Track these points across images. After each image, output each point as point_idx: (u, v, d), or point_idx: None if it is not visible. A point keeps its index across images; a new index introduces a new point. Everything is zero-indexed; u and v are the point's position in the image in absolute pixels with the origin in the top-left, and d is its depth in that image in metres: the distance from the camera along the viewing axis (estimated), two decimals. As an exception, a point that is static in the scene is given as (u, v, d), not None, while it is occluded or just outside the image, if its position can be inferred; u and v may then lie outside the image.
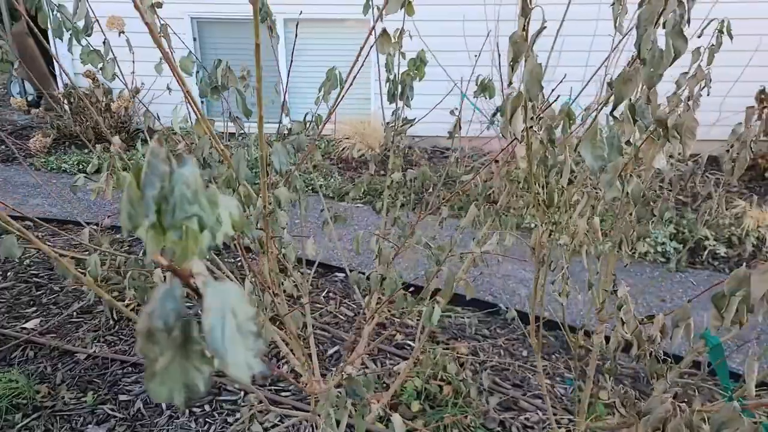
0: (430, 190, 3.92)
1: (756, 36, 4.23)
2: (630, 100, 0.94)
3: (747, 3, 4.46)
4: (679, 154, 0.94)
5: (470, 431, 2.24)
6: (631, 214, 1.05)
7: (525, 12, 0.84)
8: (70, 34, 1.82)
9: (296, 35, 2.00)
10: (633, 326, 0.81)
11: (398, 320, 3.02)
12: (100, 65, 1.88)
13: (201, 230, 0.46)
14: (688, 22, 0.81)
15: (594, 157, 0.93)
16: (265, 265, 1.10)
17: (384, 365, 2.68)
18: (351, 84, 1.40)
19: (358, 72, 1.31)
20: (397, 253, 1.26)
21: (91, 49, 1.83)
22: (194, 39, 6.20)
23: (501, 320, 3.06)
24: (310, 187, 4.99)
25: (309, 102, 6.52)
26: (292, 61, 1.97)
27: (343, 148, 5.55)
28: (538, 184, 1.11)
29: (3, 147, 5.88)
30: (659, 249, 3.87)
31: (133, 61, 2.15)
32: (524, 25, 0.86)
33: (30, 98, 7.27)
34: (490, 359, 2.75)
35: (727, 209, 4.43)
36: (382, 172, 4.96)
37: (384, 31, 1.32)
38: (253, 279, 1.04)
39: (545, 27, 0.90)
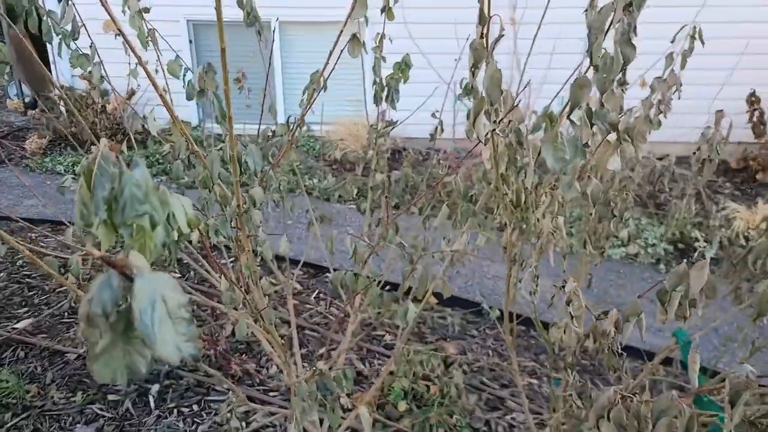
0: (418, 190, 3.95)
1: (743, 39, 4.28)
2: (588, 104, 0.97)
3: (733, 7, 4.51)
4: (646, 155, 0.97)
5: (456, 431, 2.28)
6: (591, 215, 1.08)
7: (482, 20, 0.87)
8: (60, 39, 1.85)
9: (273, 39, 2.03)
10: (583, 321, 0.84)
11: (389, 321, 3.05)
12: (89, 68, 1.92)
13: (153, 228, 0.50)
14: (635, 30, 0.85)
15: (555, 159, 0.96)
16: (242, 262, 1.13)
17: (372, 365, 2.71)
18: (325, 88, 1.44)
19: (329, 74, 1.35)
20: (372, 251, 1.29)
21: (80, 53, 1.87)
22: (190, 41, 6.24)
23: (491, 321, 3.09)
24: (303, 188, 5.03)
25: (289, 100, 6.51)
26: (269, 64, 2.01)
27: (338, 150, 5.59)
28: (506, 185, 1.14)
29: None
30: (649, 251, 3.90)
31: (129, 64, 2.18)
32: (482, 33, 0.90)
33: (27, 100, 7.29)
34: (478, 359, 2.78)
35: (718, 211, 4.46)
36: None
37: (354, 36, 1.36)
38: (229, 276, 1.08)
39: (503, 35, 0.93)
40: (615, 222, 1.19)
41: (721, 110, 1.56)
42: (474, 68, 0.95)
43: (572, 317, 0.85)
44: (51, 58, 6.28)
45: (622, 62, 0.87)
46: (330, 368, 1.21)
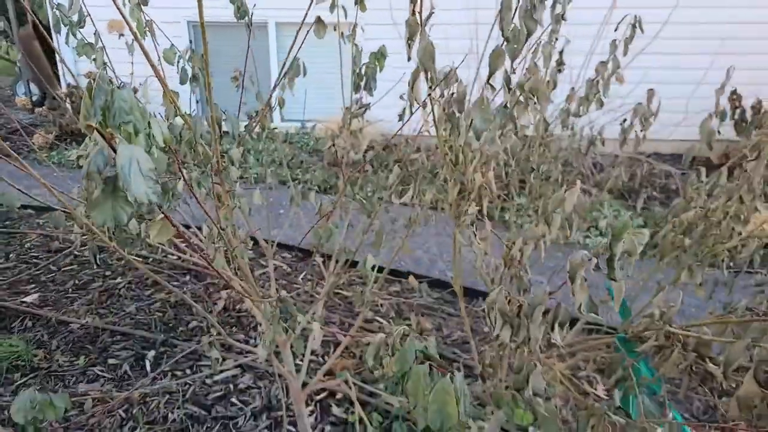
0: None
1: (717, 40, 4.47)
2: (506, 71, 1.17)
3: (707, 8, 4.69)
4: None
5: (427, 392, 2.46)
6: (509, 165, 1.27)
7: (413, -1, 1.07)
8: (68, 29, 2.07)
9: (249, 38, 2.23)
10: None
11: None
12: (93, 56, 2.13)
13: (136, 134, 0.70)
14: (535, 8, 1.04)
15: (482, 120, 1.16)
16: (221, 214, 1.33)
17: (354, 337, 2.90)
18: (305, 73, 1.64)
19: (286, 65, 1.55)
20: (334, 208, 1.48)
21: (86, 42, 2.08)
22: (190, 41, 6.47)
23: (466, 299, 3.28)
24: (295, 180, 5.23)
25: (298, 100, 6.70)
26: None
27: (330, 146, 5.79)
28: (447, 146, 1.34)
29: (8, 143, 6.13)
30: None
31: (132, 63, 2.37)
32: (413, 10, 1.09)
33: (35, 98, 7.54)
34: (452, 334, 2.97)
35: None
36: (367, 168, 5.19)
37: (318, 18, 1.55)
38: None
39: (433, 12, 1.13)
40: (536, 178, 1.37)
41: (652, 89, 1.75)
42: (409, 41, 1.15)
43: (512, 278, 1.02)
44: (57, 57, 6.52)
45: (526, 33, 1.06)
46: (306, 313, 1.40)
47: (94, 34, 1.93)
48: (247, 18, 2.12)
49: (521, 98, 1.10)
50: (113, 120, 0.66)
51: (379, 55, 2.26)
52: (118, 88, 0.67)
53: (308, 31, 1.61)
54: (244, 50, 1.94)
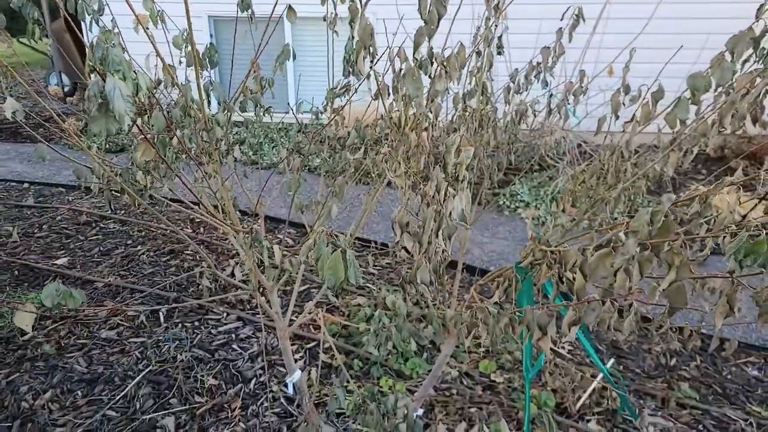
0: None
1: (704, 35, 4.61)
2: (429, 48, 1.45)
3: (694, 4, 4.83)
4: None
5: (403, 345, 2.75)
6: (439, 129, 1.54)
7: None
8: (91, 17, 2.41)
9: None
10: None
11: (362, 267, 3.55)
12: (113, 42, 2.47)
13: (124, 79, 1.01)
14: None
15: (413, 89, 1.44)
16: (211, 167, 1.64)
17: (344, 299, 3.20)
18: (294, 56, 1.93)
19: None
20: (305, 165, 1.78)
21: (107, 29, 2.42)
22: (210, 35, 6.85)
23: (452, 272, 3.55)
24: (306, 167, 5.55)
25: (312, 92, 6.94)
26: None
27: (342, 129, 6.11)
28: (390, 113, 1.62)
29: (42, 130, 6.63)
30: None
31: (157, 55, 2.70)
32: (352, -2, 1.38)
33: (66, 88, 8.04)
34: (435, 298, 3.24)
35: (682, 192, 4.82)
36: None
37: (289, 6, 1.85)
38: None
39: (369, 1, 1.42)
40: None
41: (583, 70, 2.00)
42: (351, 22, 1.44)
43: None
44: (87, 43, 6.96)
45: (437, 16, 1.34)
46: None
47: (112, 20, 2.26)
48: (251, 10, 2.42)
49: (439, 69, 1.38)
50: (108, 67, 0.97)
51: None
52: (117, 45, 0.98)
53: (328, 25, 1.90)
54: (261, 44, 2.20)
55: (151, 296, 3.16)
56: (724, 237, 0.88)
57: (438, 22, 1.36)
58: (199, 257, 3.66)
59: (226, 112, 1.68)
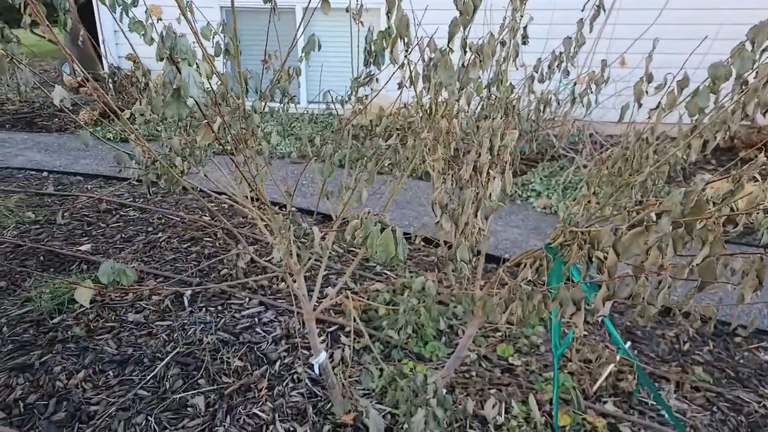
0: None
1: (715, 26, 4.64)
2: (463, 38, 1.51)
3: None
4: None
5: (422, 330, 2.82)
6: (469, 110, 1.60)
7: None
8: (121, 9, 2.47)
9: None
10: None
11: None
12: (143, 32, 2.52)
13: (190, 65, 1.08)
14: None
15: (446, 77, 1.50)
16: (247, 153, 1.70)
17: (362, 285, 3.28)
18: (319, 47, 1.98)
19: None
20: (335, 151, 1.85)
21: (137, 20, 2.48)
22: (222, 25, 6.89)
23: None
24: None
25: (321, 79, 7.02)
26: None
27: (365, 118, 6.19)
28: (422, 101, 1.68)
29: (57, 120, 6.72)
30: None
31: (199, 45, 2.75)
32: (390, -10, 1.44)
33: (79, 78, 8.10)
34: (452, 285, 3.32)
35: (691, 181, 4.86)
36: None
37: None
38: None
39: (405, -7, 1.48)
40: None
41: (605, 59, 2.05)
42: (388, 13, 1.50)
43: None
44: (101, 38, 7.02)
45: (473, 7, 1.40)
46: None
47: (146, 11, 2.32)
48: (272, 1, 2.47)
49: (472, 58, 1.44)
50: (177, 55, 1.04)
51: (386, 34, 2.60)
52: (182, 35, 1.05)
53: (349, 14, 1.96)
54: (273, 34, 2.27)
55: (174, 282, 3.24)
56: (757, 214, 0.94)
57: (473, 13, 1.42)
58: (219, 244, 3.74)
59: (262, 100, 1.74)
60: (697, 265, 0.98)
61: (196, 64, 1.03)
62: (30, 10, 2.03)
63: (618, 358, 2.30)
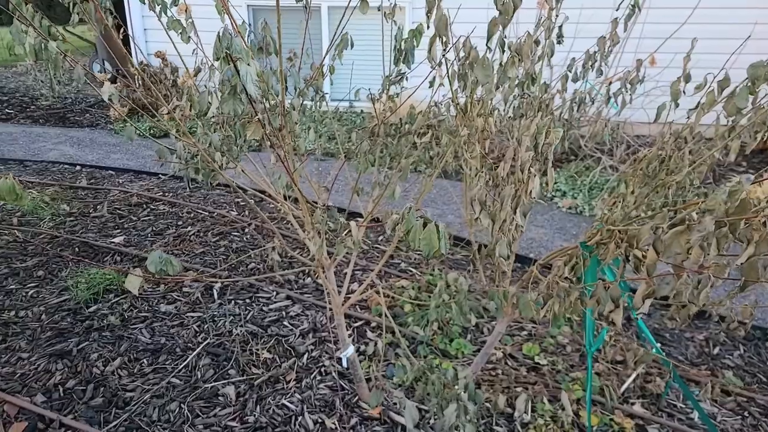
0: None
1: (750, 24, 4.56)
2: (503, 36, 1.53)
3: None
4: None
5: (448, 327, 2.84)
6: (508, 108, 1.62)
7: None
8: (160, 8, 2.53)
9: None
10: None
11: (403, 252, 3.65)
12: (180, 30, 2.58)
13: (248, 64, 1.11)
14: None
15: (483, 76, 1.52)
16: (285, 149, 1.74)
17: (388, 281, 3.31)
18: (352, 45, 2.02)
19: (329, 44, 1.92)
20: (372, 147, 1.88)
21: (175, 17, 2.54)
22: (249, 24, 6.98)
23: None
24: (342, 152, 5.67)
25: (351, 78, 7.06)
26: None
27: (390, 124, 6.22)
28: (457, 98, 1.70)
29: (88, 115, 6.89)
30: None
31: (198, 44, 2.81)
32: (431, -10, 1.46)
33: (109, 75, 8.28)
34: (476, 283, 3.33)
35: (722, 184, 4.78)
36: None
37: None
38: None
39: (445, -7, 1.50)
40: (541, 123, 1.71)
41: (640, 59, 2.05)
42: (428, 13, 1.52)
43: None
44: (131, 33, 7.15)
45: (513, 7, 1.42)
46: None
47: (185, 10, 2.38)
48: (308, 8, 2.51)
49: (511, 58, 1.45)
50: (233, 53, 1.07)
51: (417, 33, 2.63)
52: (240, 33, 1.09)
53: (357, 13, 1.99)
54: (299, 32, 2.32)
55: (209, 274, 3.30)
56: (805, 213, 0.95)
57: (513, 13, 1.43)
58: (246, 239, 3.80)
59: (300, 97, 1.78)
60: (741, 264, 0.99)
61: (247, 63, 1.07)
62: (78, 9, 2.10)
63: (651, 358, 2.29)
